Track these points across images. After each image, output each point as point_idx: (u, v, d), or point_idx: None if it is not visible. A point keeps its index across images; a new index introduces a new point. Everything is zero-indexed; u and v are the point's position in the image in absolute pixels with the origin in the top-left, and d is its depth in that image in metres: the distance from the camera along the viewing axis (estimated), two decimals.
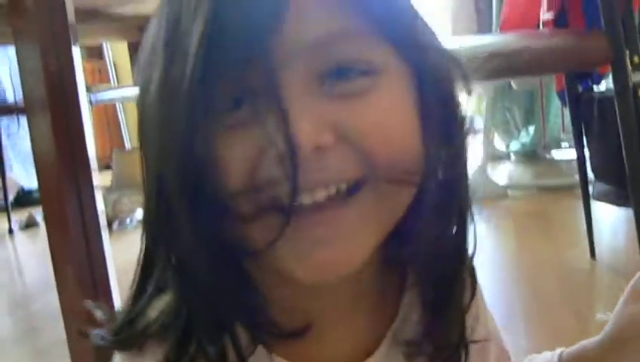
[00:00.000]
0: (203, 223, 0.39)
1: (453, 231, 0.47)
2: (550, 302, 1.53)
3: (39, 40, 1.19)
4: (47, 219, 1.34)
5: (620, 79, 1.25)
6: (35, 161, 1.33)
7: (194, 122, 0.38)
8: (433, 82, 0.43)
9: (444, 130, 0.44)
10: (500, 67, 1.28)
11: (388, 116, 0.41)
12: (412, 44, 0.43)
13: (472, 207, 0.47)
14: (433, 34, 0.45)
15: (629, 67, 1.26)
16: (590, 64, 1.39)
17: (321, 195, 0.40)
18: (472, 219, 0.47)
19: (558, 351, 0.62)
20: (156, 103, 0.41)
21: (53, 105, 1.24)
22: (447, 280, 0.48)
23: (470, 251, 0.49)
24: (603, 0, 1.27)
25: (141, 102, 0.43)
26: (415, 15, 0.44)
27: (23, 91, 1.29)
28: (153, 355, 0.45)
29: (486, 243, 2.18)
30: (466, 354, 0.51)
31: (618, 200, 1.59)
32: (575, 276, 1.66)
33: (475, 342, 0.52)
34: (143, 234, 0.45)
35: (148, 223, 0.44)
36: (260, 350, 0.46)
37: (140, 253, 0.47)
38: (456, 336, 0.50)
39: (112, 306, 1.36)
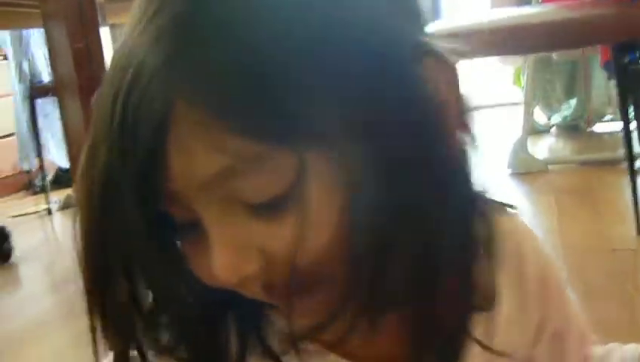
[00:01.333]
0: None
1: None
2: (595, 282, 1.49)
3: (66, 20, 1.19)
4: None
5: None
6: (65, 138, 1.34)
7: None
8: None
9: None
10: (543, 40, 1.23)
11: (310, 228, 0.37)
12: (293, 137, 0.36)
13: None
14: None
15: None
16: (636, 34, 1.33)
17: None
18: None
19: None
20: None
21: (81, 83, 1.24)
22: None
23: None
24: None
25: None
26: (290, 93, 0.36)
27: (53, 70, 1.30)
28: None
29: (525, 217, 2.13)
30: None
31: None
32: (620, 254, 1.62)
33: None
34: None
35: None
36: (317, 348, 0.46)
37: None
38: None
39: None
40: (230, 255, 0.38)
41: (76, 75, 1.25)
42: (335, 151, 0.36)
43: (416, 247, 0.40)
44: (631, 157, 1.68)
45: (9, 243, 2.35)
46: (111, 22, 2.21)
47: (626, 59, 1.57)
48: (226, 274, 0.38)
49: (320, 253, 0.38)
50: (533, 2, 2.40)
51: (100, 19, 1.28)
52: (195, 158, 0.36)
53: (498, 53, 1.47)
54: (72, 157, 1.36)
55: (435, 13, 3.03)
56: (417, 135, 0.38)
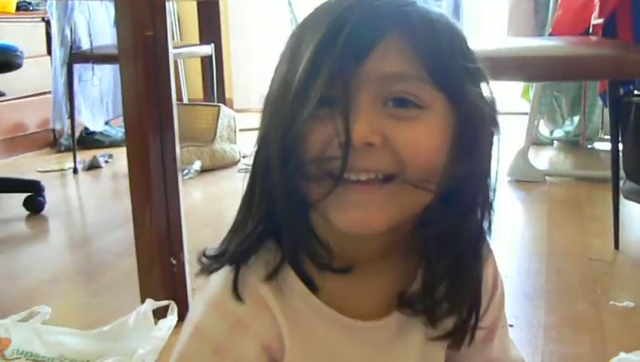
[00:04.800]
0: (287, 177, 0.57)
1: (471, 222, 0.62)
2: (569, 283, 1.68)
3: None
4: (130, 159, 1.48)
5: None
6: (123, 105, 1.48)
7: (295, 110, 0.57)
8: (469, 120, 0.59)
9: (471, 154, 0.60)
10: (548, 72, 1.41)
11: (423, 139, 0.57)
12: (456, 94, 0.59)
13: (491, 205, 0.63)
14: (477, 83, 0.61)
15: None
16: (628, 75, 1.50)
17: (363, 176, 0.57)
18: (490, 214, 0.63)
19: None
20: (274, 94, 0.60)
21: (144, 55, 1.39)
22: (463, 258, 0.63)
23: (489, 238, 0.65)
24: None
25: (268, 91, 0.62)
26: (464, 70, 0.59)
27: (118, 38, 1.44)
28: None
29: (518, 222, 2.31)
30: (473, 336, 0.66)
31: None
32: (596, 264, 1.80)
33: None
34: (248, 177, 0.63)
35: (253, 168, 0.62)
36: (304, 289, 0.62)
37: (245, 191, 0.64)
38: (469, 304, 0.65)
39: (182, 246, 1.52)
40: (366, 125, 0.55)
41: (140, 48, 1.40)
42: (457, 106, 0.58)
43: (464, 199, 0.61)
44: (616, 179, 1.84)
45: (43, 196, 2.53)
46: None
47: (621, 92, 1.74)
48: (359, 134, 0.54)
49: (417, 160, 0.57)
50: (546, 33, 2.54)
51: None
52: (388, 60, 0.56)
53: (507, 80, 1.64)
54: (128, 116, 1.47)
55: None
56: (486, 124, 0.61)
